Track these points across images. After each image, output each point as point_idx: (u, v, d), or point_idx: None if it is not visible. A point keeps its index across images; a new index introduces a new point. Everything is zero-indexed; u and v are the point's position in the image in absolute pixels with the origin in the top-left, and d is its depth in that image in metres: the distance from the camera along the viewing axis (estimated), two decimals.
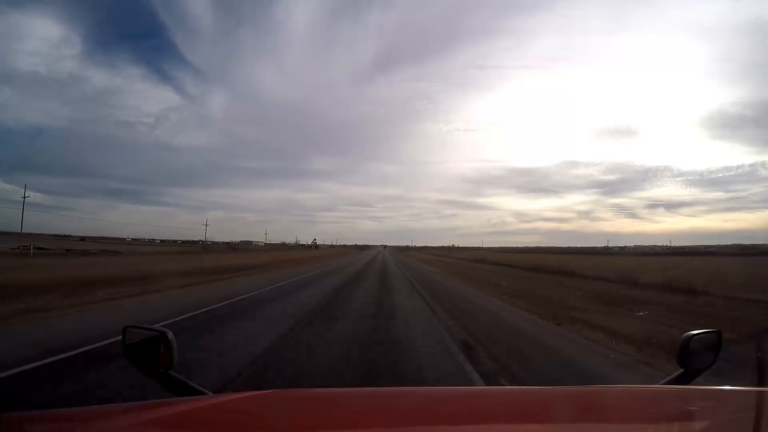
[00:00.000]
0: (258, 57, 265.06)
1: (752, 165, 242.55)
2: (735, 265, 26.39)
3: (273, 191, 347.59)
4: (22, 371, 4.19)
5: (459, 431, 1.03)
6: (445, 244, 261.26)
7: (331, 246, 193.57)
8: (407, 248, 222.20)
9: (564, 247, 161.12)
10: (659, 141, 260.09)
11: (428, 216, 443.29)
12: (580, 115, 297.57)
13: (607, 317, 8.46)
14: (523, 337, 6.83)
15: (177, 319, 7.46)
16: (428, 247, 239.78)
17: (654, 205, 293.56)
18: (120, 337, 1.39)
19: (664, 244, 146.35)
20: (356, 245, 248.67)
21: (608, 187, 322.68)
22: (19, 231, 53.99)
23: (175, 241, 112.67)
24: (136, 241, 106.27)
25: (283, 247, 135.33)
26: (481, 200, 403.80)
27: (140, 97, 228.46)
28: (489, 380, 4.29)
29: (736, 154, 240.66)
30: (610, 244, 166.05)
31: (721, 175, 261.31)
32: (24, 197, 54.90)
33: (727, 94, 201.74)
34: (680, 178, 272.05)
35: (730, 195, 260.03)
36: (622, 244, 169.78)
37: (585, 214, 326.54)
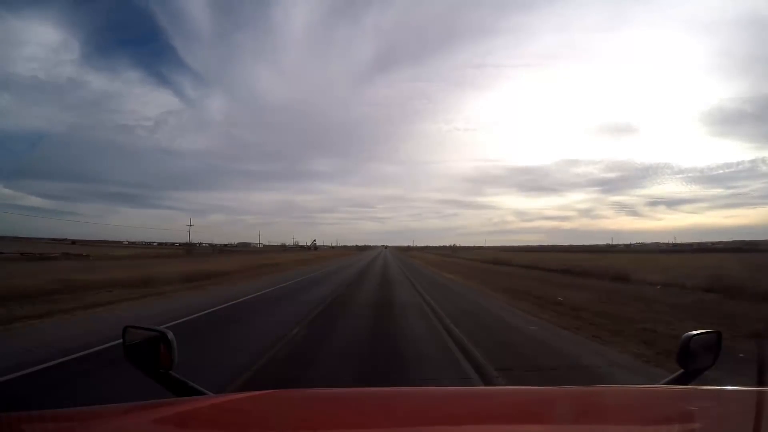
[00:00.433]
0: (257, 59, 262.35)
1: (752, 161, 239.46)
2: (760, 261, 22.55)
3: (273, 193, 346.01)
4: None
5: (459, 431, 1.04)
6: (447, 243, 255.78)
7: (332, 247, 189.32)
8: (408, 248, 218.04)
9: (566, 246, 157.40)
10: (659, 138, 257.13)
11: (429, 216, 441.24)
12: (580, 113, 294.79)
13: None
14: None
15: None
16: (430, 246, 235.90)
17: (655, 202, 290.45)
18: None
19: (669, 242, 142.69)
20: (357, 246, 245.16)
21: (609, 185, 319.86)
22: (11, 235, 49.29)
23: (173, 244, 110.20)
24: (132, 244, 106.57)
25: (281, 248, 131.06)
26: (482, 199, 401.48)
27: (139, 101, 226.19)
28: None
29: (736, 151, 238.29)
30: (613, 242, 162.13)
31: (721, 171, 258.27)
32: None
33: (726, 90, 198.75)
34: (680, 175, 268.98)
35: (730, 191, 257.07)
36: (625, 242, 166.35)
37: (586, 212, 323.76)
